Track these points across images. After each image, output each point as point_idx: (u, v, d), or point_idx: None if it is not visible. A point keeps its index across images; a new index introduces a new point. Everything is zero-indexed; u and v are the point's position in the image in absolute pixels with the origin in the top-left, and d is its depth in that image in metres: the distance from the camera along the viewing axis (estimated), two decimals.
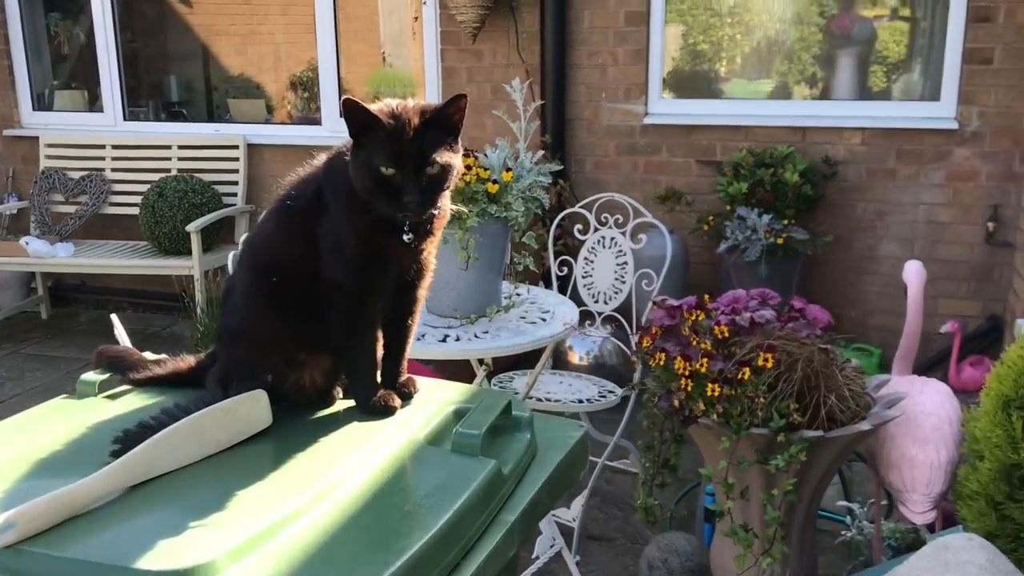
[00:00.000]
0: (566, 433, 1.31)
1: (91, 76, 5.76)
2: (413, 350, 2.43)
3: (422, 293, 1.46)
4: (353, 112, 1.25)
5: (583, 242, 3.41)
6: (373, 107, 1.27)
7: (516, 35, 4.73)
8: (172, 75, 6.57)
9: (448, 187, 1.33)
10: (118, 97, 5.66)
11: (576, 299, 3.45)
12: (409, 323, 1.45)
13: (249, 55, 6.87)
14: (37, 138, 5.61)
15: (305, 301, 1.32)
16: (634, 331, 3.28)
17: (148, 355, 1.45)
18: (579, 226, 3.42)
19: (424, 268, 1.43)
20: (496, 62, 4.83)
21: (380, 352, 1.42)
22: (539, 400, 3.13)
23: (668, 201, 4.60)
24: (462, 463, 1.10)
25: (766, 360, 2.06)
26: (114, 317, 2.06)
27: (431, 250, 1.42)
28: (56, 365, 4.84)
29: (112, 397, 1.33)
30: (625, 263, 3.30)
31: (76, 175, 5.48)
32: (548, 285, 4.26)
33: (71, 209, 5.43)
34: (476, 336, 2.57)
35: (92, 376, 1.37)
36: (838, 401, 2.10)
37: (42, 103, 5.88)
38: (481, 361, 2.92)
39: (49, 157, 5.57)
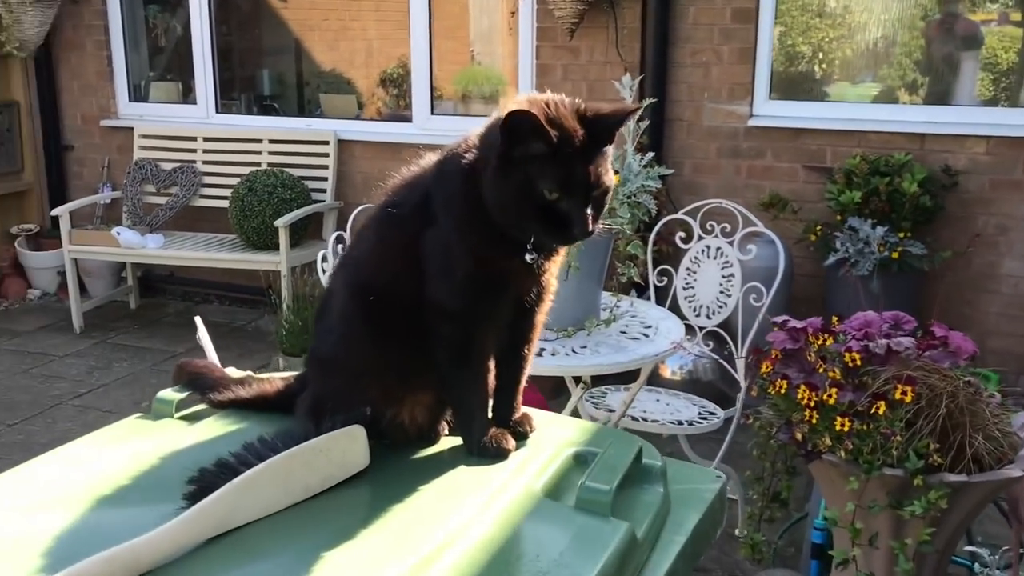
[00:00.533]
0: (702, 485, 1.13)
1: (186, 68, 5.76)
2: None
3: (541, 319, 1.29)
4: (522, 126, 1.06)
5: (685, 251, 3.22)
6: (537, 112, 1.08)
7: (616, 31, 4.54)
8: (265, 69, 6.55)
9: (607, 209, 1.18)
10: (211, 90, 5.65)
11: (675, 311, 3.26)
12: (525, 352, 1.28)
13: (341, 51, 6.81)
14: (132, 129, 5.63)
15: (407, 326, 1.16)
16: (739, 350, 3.08)
17: (232, 371, 1.32)
18: (682, 234, 3.23)
19: (545, 291, 1.26)
20: (593, 59, 4.64)
21: (492, 383, 1.25)
22: (634, 419, 2.95)
23: (772, 208, 4.35)
24: (590, 526, 0.94)
25: (904, 393, 1.84)
26: (198, 321, 1.95)
27: (553, 271, 1.25)
28: (143, 356, 4.84)
29: (190, 419, 1.21)
30: (731, 275, 3.10)
31: (168, 166, 5.48)
32: (644, 294, 4.08)
33: (162, 200, 5.44)
34: (573, 351, 2.40)
35: (169, 394, 1.24)
36: (985, 441, 1.87)
37: (138, 94, 5.91)
38: (578, 379, 2.75)
39: (143, 148, 5.59)
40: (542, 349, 2.41)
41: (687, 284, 3.22)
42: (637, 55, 4.51)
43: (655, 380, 3.88)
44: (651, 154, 2.59)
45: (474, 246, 1.13)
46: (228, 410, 1.24)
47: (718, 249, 3.15)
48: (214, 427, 1.19)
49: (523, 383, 1.29)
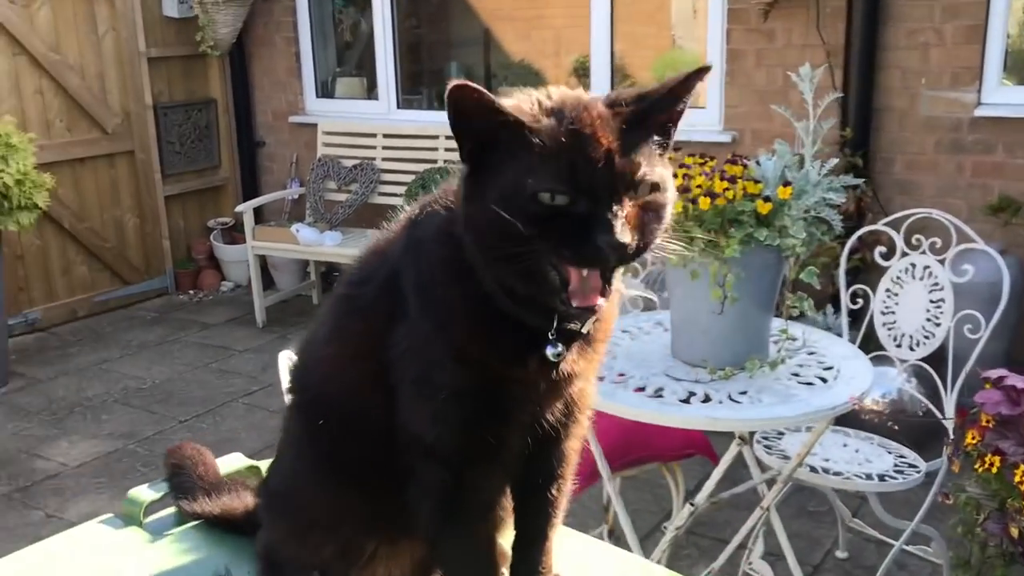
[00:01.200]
0: None
1: (372, 63, 5.71)
2: (644, 410, 1.92)
3: (575, 445, 0.92)
4: (469, 109, 0.77)
5: (886, 268, 2.72)
6: (508, 102, 0.79)
7: (816, 11, 4.01)
8: (452, 62, 6.42)
9: (664, 224, 0.82)
10: (392, 85, 5.56)
11: (872, 339, 2.77)
12: (554, 494, 0.91)
13: (532, 40, 6.58)
14: (317, 125, 5.64)
15: (373, 460, 0.83)
16: (948, 389, 2.56)
17: (222, 462, 1.07)
18: (882, 248, 2.73)
19: (576, 406, 0.89)
20: (791, 43, 4.13)
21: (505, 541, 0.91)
22: (813, 470, 2.50)
23: (1002, 213, 3.71)
24: None
25: None
26: (281, 359, 1.74)
27: (590, 374, 0.89)
28: None
29: (153, 533, 0.97)
30: (941, 300, 2.58)
31: (349, 163, 5.44)
32: (836, 309, 3.57)
33: (342, 197, 5.40)
34: (730, 398, 2.01)
35: (140, 494, 1.03)
36: None
37: (325, 90, 5.92)
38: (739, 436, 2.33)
39: (326, 145, 5.58)
40: (691, 394, 2.04)
41: (887, 308, 2.72)
42: (841, 37, 3.97)
43: (845, 415, 3.37)
44: (834, 160, 2.14)
45: (462, 343, 0.79)
46: (195, 524, 0.99)
47: (926, 268, 2.63)
48: (174, 546, 0.95)
49: (552, 536, 0.92)
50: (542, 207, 0.75)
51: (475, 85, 0.76)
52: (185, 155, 5.86)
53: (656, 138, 0.82)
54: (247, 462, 1.09)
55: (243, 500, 1.02)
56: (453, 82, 0.75)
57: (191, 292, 5.85)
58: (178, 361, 4.75)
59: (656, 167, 0.80)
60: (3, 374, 4.45)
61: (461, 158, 0.80)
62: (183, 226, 5.95)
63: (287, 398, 0.90)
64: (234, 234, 5.97)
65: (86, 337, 5.11)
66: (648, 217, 0.79)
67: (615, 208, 0.75)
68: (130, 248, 5.66)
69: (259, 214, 5.80)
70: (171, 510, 1.02)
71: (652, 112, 0.81)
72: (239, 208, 5.30)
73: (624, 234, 0.75)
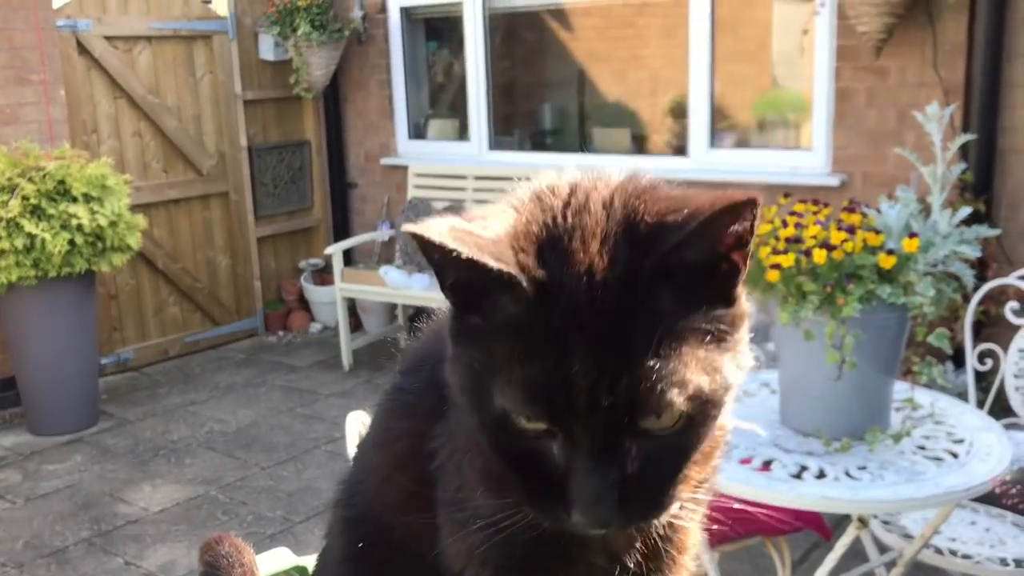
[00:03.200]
0: None
1: (465, 105, 5.65)
2: (750, 486, 1.72)
3: None
4: (435, 256, 0.58)
5: (1018, 327, 2.46)
6: (490, 230, 0.60)
7: (933, 47, 3.76)
8: (546, 103, 6.32)
9: (694, 459, 0.59)
10: (484, 126, 5.48)
11: (1002, 403, 2.51)
12: None
13: (628, 81, 6.44)
14: (408, 167, 5.59)
15: None
16: None
17: (259, 560, 0.93)
18: (1014, 304, 2.47)
19: (672, 544, 0.67)
20: (905, 81, 3.89)
21: None
22: (938, 552, 2.24)
23: None
24: None
25: None
26: (348, 421, 1.60)
27: (687, 523, 0.65)
28: None
29: None
30: None
31: (439, 205, 5.36)
32: (958, 366, 3.28)
33: None
34: (847, 474, 1.79)
35: None
36: None
37: (417, 132, 5.88)
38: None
39: (417, 187, 5.53)
40: (803, 468, 1.83)
41: (1021, 371, 2.45)
42: (960, 75, 3.71)
43: None
44: (967, 209, 1.92)
45: (496, 460, 0.59)
46: None
47: None
48: None
49: None
50: (516, 432, 0.56)
51: (442, 225, 0.58)
52: (278, 196, 5.88)
53: (697, 305, 0.58)
54: (293, 561, 0.95)
55: None
56: (411, 228, 0.58)
57: (280, 333, 5.84)
58: (263, 405, 4.70)
59: (690, 368, 0.55)
60: (93, 414, 4.46)
61: (442, 291, 0.62)
62: (274, 267, 5.96)
63: (333, 511, 0.75)
64: (324, 276, 5.95)
65: (175, 378, 5.12)
66: (657, 465, 0.56)
67: (600, 454, 0.54)
68: (222, 289, 5.68)
69: (349, 256, 5.77)
70: None
71: (681, 266, 0.57)
72: (329, 250, 5.27)
73: (604, 504, 0.54)
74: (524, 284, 0.55)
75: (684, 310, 0.57)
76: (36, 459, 4.07)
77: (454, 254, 0.54)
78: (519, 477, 0.57)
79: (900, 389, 2.05)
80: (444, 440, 0.64)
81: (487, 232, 0.58)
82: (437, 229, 0.56)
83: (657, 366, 0.54)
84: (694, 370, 0.56)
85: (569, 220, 0.59)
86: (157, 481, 3.83)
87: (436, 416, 0.64)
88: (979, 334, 2.92)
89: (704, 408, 0.57)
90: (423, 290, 5.02)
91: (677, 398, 0.55)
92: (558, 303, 0.55)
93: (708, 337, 0.57)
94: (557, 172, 0.69)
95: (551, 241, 0.59)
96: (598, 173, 0.68)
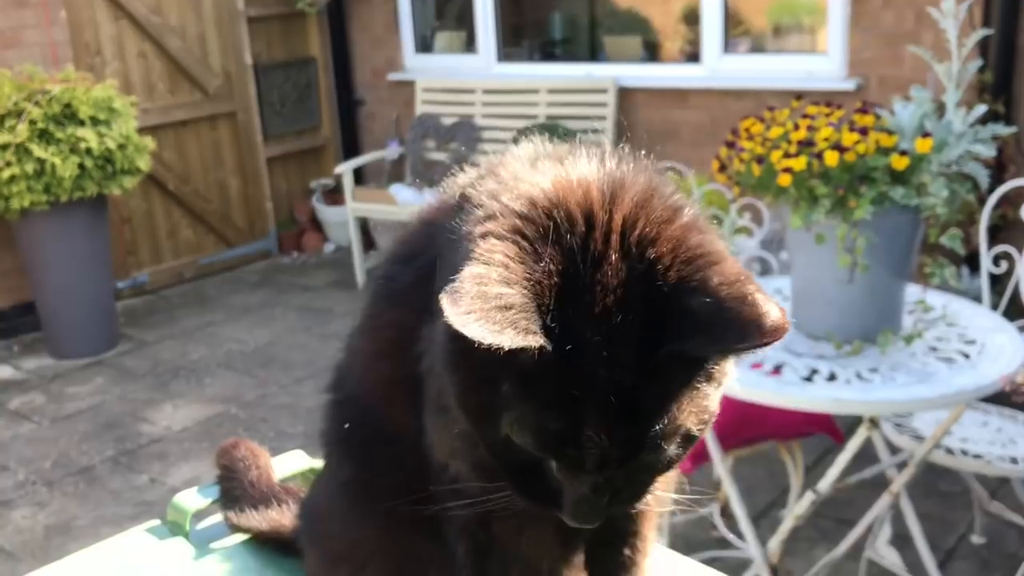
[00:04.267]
0: None
1: (472, 16, 5.53)
2: (761, 390, 1.73)
3: (648, 524, 0.73)
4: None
5: None
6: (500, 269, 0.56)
7: None
8: (556, 12, 6.18)
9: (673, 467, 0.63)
10: (492, 38, 5.38)
11: (1017, 306, 2.50)
12: (626, 555, 0.72)
13: None
14: (415, 82, 5.52)
15: (403, 488, 0.67)
16: None
17: (275, 463, 0.95)
18: None
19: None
20: None
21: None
22: (949, 452, 2.26)
23: None
24: None
25: None
26: None
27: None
28: None
29: (198, 547, 0.87)
30: None
31: (448, 121, 5.31)
32: (972, 270, 3.27)
33: (442, 156, 5.28)
34: (858, 376, 1.80)
35: (186, 503, 0.91)
36: None
37: (424, 46, 5.78)
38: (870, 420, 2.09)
39: (425, 102, 5.46)
40: (814, 371, 1.84)
41: None
42: None
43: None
44: (982, 107, 1.88)
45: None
46: (243, 540, 0.88)
47: None
48: (216, 570, 0.83)
49: None
50: (517, 449, 0.58)
51: (470, 299, 0.54)
52: (285, 115, 5.83)
53: (704, 364, 0.59)
54: (308, 463, 0.97)
55: (290, 518, 0.89)
56: (449, 309, 0.54)
57: (294, 254, 5.86)
58: (280, 324, 4.74)
59: (686, 415, 0.58)
60: (113, 337, 4.52)
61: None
62: (285, 188, 5.95)
63: (325, 395, 0.77)
64: (335, 195, 5.93)
65: (192, 300, 5.16)
66: (651, 472, 0.60)
67: (598, 485, 0.58)
68: (234, 210, 5.68)
69: (360, 175, 5.74)
70: (220, 518, 0.91)
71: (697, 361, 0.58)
72: (339, 169, 5.24)
73: (594, 512, 0.58)
74: (548, 348, 0.55)
75: (692, 372, 0.58)
76: (59, 382, 4.14)
77: (491, 344, 0.53)
78: (512, 475, 0.60)
79: (912, 293, 2.04)
80: (428, 345, 0.64)
81: (513, 296, 0.55)
82: (466, 310, 0.53)
83: (663, 429, 0.57)
84: (688, 416, 0.58)
85: (588, 273, 0.57)
86: (178, 401, 3.90)
87: (424, 314, 0.63)
88: (994, 238, 2.89)
89: (692, 441, 0.60)
90: None
91: (672, 445, 0.59)
92: (575, 368, 0.56)
93: (703, 379, 0.59)
94: (562, 160, 0.66)
95: (572, 297, 0.57)
96: (613, 175, 0.63)
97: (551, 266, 0.57)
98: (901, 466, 2.21)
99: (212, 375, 4.13)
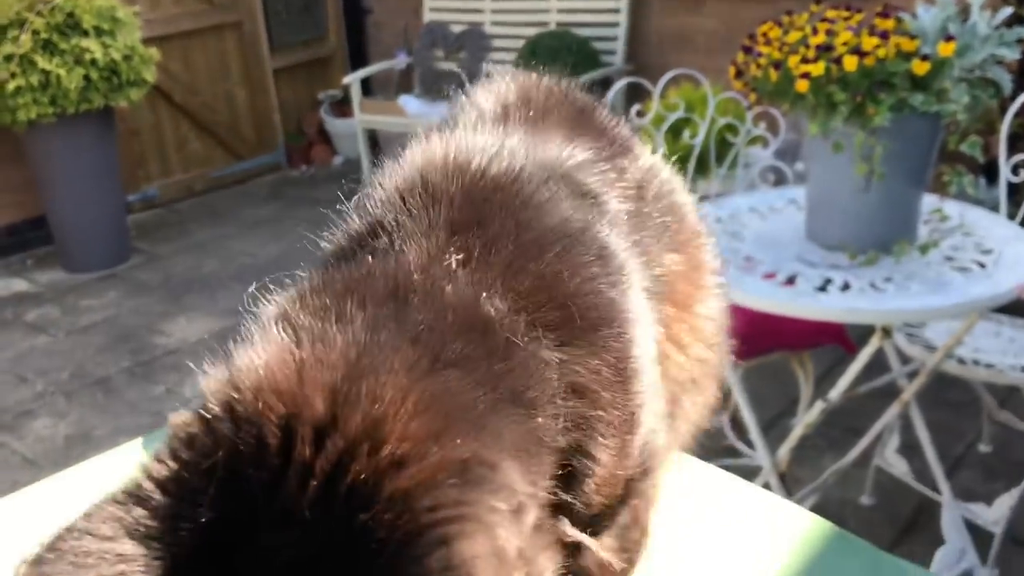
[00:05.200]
0: None
1: None
2: (774, 300, 1.72)
3: None
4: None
5: None
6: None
7: None
8: None
9: None
10: None
11: None
12: None
13: None
14: None
15: None
16: None
17: None
18: None
19: None
20: None
21: None
22: (961, 362, 2.27)
23: None
24: None
25: None
26: None
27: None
28: None
29: None
30: None
31: (457, 29, 5.21)
32: (991, 181, 3.23)
33: (451, 66, 5.20)
34: (872, 286, 1.80)
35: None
36: None
37: None
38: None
39: (433, 10, 5.35)
40: (828, 281, 1.83)
41: None
42: None
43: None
44: (1008, 9, 1.83)
45: None
46: None
47: None
48: None
49: None
50: None
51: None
52: (292, 25, 5.72)
53: None
54: None
55: None
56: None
57: (303, 167, 5.82)
58: (291, 238, 4.73)
59: None
60: (125, 250, 4.53)
61: None
62: (293, 100, 5.87)
63: None
64: (343, 107, 5.86)
65: (202, 213, 5.15)
66: None
67: None
68: (242, 123, 5.62)
69: (368, 86, 5.66)
70: None
71: None
72: (346, 80, 5.17)
73: None
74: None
75: None
76: (72, 295, 4.17)
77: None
78: None
79: (929, 202, 2.02)
80: None
81: None
82: None
83: None
84: None
85: (248, 550, 0.42)
86: (191, 313, 3.93)
87: None
88: (1014, 147, 2.84)
89: None
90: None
91: None
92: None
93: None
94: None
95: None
96: (367, 347, 0.47)
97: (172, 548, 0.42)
98: (912, 376, 2.22)
99: (225, 288, 4.15)
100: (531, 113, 0.65)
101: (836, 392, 2.02)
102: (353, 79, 5.07)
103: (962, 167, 1.86)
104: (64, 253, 4.43)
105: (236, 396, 0.45)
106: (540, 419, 0.48)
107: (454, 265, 0.52)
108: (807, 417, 2.06)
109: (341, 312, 0.48)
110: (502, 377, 0.47)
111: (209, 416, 0.45)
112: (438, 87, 5.14)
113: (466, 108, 0.68)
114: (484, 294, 0.50)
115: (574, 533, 0.52)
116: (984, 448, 2.71)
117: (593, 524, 0.54)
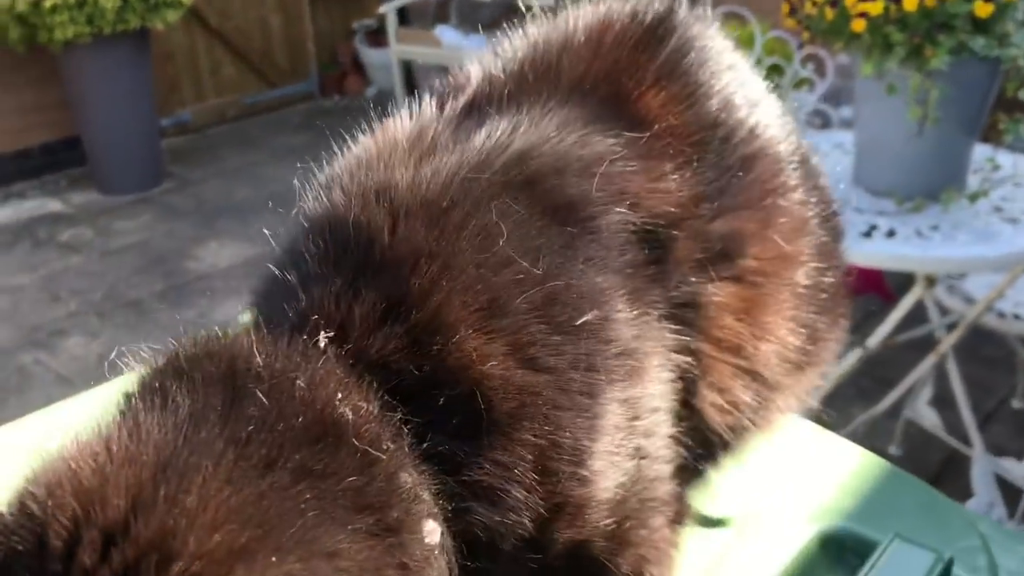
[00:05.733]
0: None
1: None
2: None
3: None
4: None
5: None
6: None
7: None
8: None
9: None
10: None
11: None
12: None
13: None
14: None
15: None
16: None
17: None
18: None
19: None
20: None
21: None
22: (1000, 316, 2.23)
23: None
24: None
25: None
26: None
27: None
28: None
29: None
30: None
31: None
32: None
33: None
34: (919, 233, 1.76)
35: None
36: None
37: None
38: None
39: None
40: (873, 227, 1.79)
41: None
42: None
43: None
44: None
45: None
46: None
47: None
48: None
49: None
50: None
51: None
52: None
53: None
54: None
55: None
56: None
57: (336, 97, 5.78)
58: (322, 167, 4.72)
59: None
60: (158, 174, 4.53)
61: None
62: (328, 28, 5.81)
63: None
64: (378, 37, 5.79)
65: (235, 140, 5.14)
66: None
67: None
68: (276, 49, 5.58)
69: (404, 15, 5.58)
70: None
71: None
72: (382, 8, 5.09)
73: None
74: None
75: None
76: (106, 217, 4.19)
77: None
78: None
79: (982, 150, 1.97)
80: None
81: None
82: None
83: None
84: None
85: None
86: (224, 239, 3.94)
87: None
88: None
89: None
90: (478, 51, 4.87)
91: None
92: None
93: None
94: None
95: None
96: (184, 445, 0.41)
97: None
98: (950, 328, 2.19)
99: (257, 214, 4.15)
100: (555, 73, 0.58)
101: (875, 340, 2.00)
102: (389, 8, 5.00)
103: (1020, 115, 1.80)
104: (98, 175, 4.44)
105: (33, 491, 0.39)
106: (405, 537, 0.41)
107: (323, 343, 0.45)
108: (843, 364, 2.04)
109: (166, 398, 0.43)
110: (353, 492, 0.41)
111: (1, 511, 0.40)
112: (475, 18, 5.06)
113: (478, 75, 0.61)
114: (343, 392, 0.43)
115: None
116: (1017, 404, 2.69)
117: None
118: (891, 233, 1.77)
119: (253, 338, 0.45)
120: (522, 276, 0.47)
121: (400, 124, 0.61)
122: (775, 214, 0.60)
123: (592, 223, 0.51)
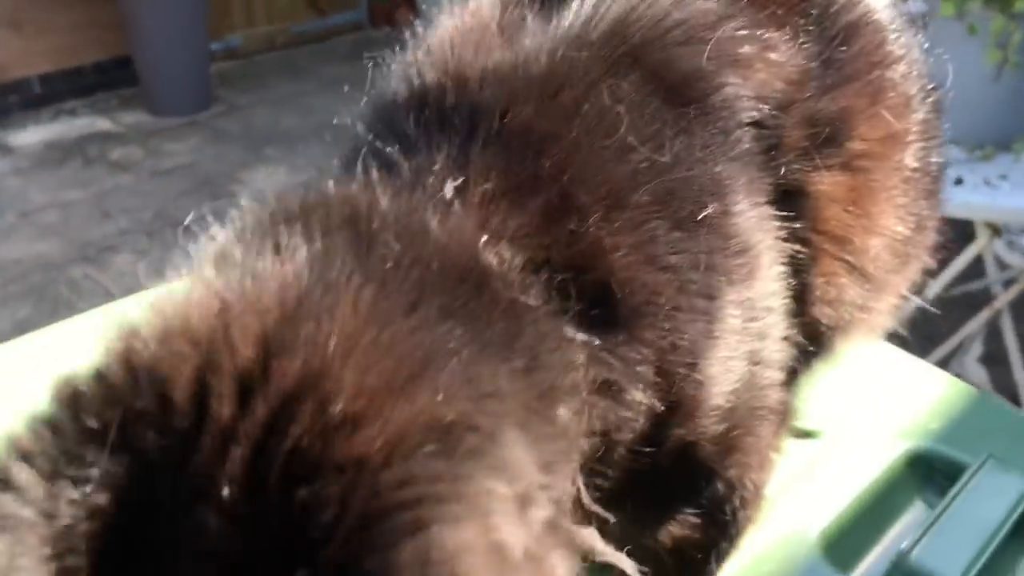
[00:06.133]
0: None
1: None
2: None
3: None
4: None
5: None
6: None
7: None
8: None
9: None
10: None
11: None
12: None
13: None
14: None
15: None
16: None
17: None
18: None
19: None
20: None
21: None
22: None
23: None
24: None
25: None
26: None
27: None
28: None
29: None
30: None
31: None
32: None
33: None
34: (987, 183, 1.72)
35: None
36: None
37: None
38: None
39: None
40: None
41: None
42: None
43: None
44: None
45: None
46: None
47: None
48: None
49: None
50: None
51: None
52: None
53: None
54: None
55: None
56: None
57: (385, 28, 5.72)
58: None
59: None
60: (207, 98, 4.54)
61: None
62: None
63: None
64: None
65: (283, 67, 5.12)
66: None
67: None
68: None
69: None
70: None
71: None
72: None
73: None
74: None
75: None
76: (156, 138, 4.21)
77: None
78: None
79: None
80: None
81: None
82: None
83: None
84: None
85: (165, 527, 0.33)
86: (271, 165, 3.95)
87: None
88: None
89: None
90: None
91: None
92: None
93: None
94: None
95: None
96: (307, 288, 0.38)
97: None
98: (1008, 283, 2.15)
99: (304, 143, 4.15)
100: None
101: (933, 290, 1.97)
102: None
103: None
104: (148, 95, 4.45)
105: (137, 345, 0.35)
106: (556, 379, 0.39)
107: (449, 193, 0.42)
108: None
109: (280, 245, 0.40)
110: (506, 336, 0.37)
111: (100, 371, 0.35)
112: None
113: None
114: (486, 237, 0.40)
115: (604, 551, 0.43)
116: None
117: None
118: (959, 181, 1.73)
119: (371, 186, 0.42)
120: (644, 165, 0.45)
121: (484, 4, 0.57)
122: (883, 88, 0.57)
123: (707, 102, 0.49)
